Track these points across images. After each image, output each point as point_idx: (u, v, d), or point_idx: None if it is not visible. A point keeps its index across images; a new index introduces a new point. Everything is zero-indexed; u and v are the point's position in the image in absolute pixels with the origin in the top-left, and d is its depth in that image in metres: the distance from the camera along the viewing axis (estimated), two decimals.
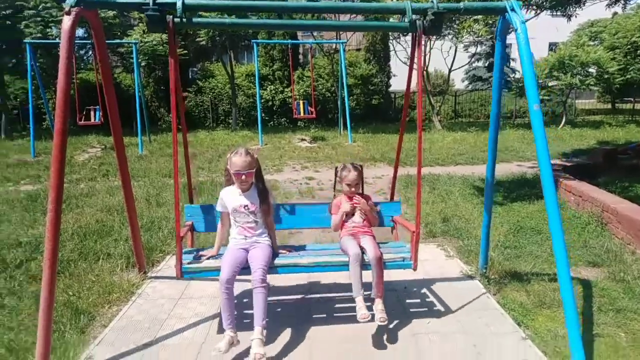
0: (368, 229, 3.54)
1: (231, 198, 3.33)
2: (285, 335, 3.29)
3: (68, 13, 2.81)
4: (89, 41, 17.30)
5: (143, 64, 15.37)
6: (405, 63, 17.73)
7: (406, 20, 3.15)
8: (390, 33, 18.60)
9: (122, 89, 17.66)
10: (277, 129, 17.06)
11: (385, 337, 3.25)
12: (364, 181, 3.73)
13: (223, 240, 3.48)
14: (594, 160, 8.44)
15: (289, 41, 13.79)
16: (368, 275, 3.25)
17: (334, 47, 16.38)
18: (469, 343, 3.16)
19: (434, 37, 15.60)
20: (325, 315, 3.59)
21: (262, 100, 18.69)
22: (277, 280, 3.95)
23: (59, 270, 4.38)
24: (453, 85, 27.28)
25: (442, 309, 3.65)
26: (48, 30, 14.02)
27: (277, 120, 18.82)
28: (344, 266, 3.24)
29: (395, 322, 3.45)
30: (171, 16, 2.99)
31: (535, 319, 3.53)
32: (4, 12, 13.06)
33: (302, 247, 3.69)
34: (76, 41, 16.17)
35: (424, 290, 4.01)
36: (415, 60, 3.26)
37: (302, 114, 13.64)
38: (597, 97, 26.58)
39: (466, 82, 27.11)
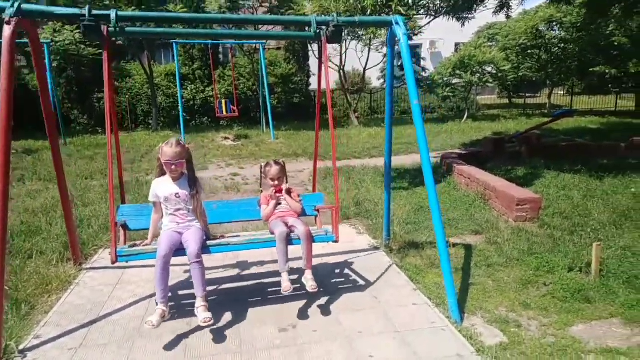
0: (294, 214, 3.97)
1: (163, 187, 3.57)
2: (221, 309, 3.79)
3: (8, 23, 3.10)
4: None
5: (54, 64, 14.77)
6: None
7: (312, 30, 3.77)
8: None
9: (31, 91, 16.77)
10: (199, 129, 17.15)
11: (307, 296, 3.87)
12: (287, 175, 4.19)
13: (157, 231, 3.70)
14: (485, 148, 9.68)
15: (209, 41, 14.01)
16: (297, 252, 3.73)
17: (253, 46, 16.77)
18: (371, 295, 3.87)
19: (346, 40, 16.57)
20: (257, 288, 4.14)
21: (183, 100, 18.64)
22: (214, 260, 4.44)
23: None
24: (370, 83, 28.70)
25: (351, 273, 4.35)
26: None
27: (199, 120, 18.86)
28: (272, 242, 3.62)
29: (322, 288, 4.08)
30: (106, 26, 3.36)
31: (425, 276, 4.32)
32: None
33: (233, 235, 4.10)
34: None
35: (337, 260, 4.69)
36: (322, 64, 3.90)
37: (224, 112, 13.92)
38: (497, 94, 29.28)
39: (382, 81, 28.62)
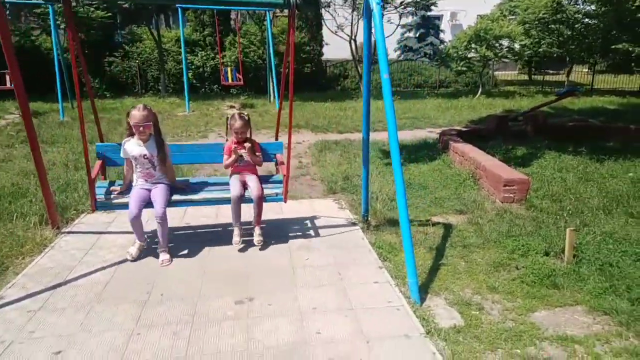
0: (253, 168, 4.31)
1: (132, 148, 3.93)
2: (185, 265, 3.94)
3: None
4: (37, 1, 16.32)
5: (63, 26, 14.74)
6: (334, 32, 18.16)
7: None
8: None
9: (42, 53, 16.84)
10: (208, 96, 17.08)
11: (269, 269, 3.87)
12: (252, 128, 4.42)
13: (130, 177, 4.12)
14: (488, 126, 9.43)
15: (214, 6, 13.77)
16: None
17: (263, 13, 16.44)
18: (336, 271, 3.84)
19: (358, 8, 16.10)
20: (216, 242, 4.35)
21: (193, 67, 18.51)
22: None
23: None
24: (387, 54, 28.03)
25: (321, 248, 4.32)
26: None
27: (208, 87, 18.75)
28: (228, 200, 4.10)
29: (279, 256, 4.09)
30: None
31: (397, 254, 4.27)
32: None
33: (199, 183, 4.41)
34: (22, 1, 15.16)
35: (311, 233, 4.66)
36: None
37: (230, 81, 13.81)
38: (518, 69, 28.41)
39: (398, 52, 27.99)
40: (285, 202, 4.39)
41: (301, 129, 11.16)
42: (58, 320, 3.13)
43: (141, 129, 3.82)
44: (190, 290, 3.54)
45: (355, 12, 17.06)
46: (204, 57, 18.78)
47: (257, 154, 4.40)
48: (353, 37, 17.70)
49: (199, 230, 4.77)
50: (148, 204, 3.91)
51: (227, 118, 4.36)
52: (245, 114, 4.36)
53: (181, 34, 12.93)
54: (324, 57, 21.35)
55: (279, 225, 4.88)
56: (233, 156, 4.24)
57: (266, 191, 4.27)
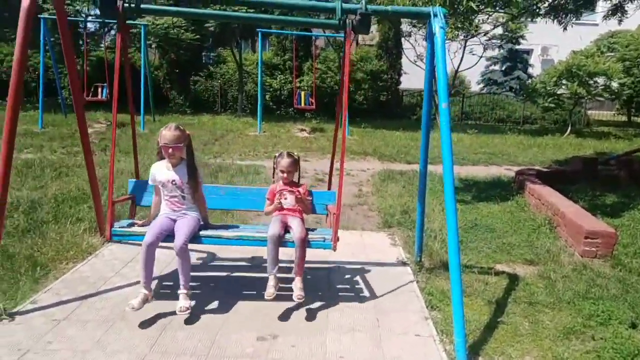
0: (298, 212, 3.71)
1: (160, 172, 3.50)
2: (211, 301, 3.62)
3: None
4: (108, 20, 17.84)
5: (154, 45, 15.80)
6: (413, 62, 17.83)
7: (336, 18, 3.42)
8: (402, 29, 18.75)
9: (136, 69, 18.14)
10: (282, 118, 17.35)
11: (302, 307, 3.56)
12: (301, 169, 3.94)
13: (157, 212, 3.63)
14: (573, 168, 8.53)
15: (293, 32, 14.05)
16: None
17: (342, 40, 16.56)
18: (374, 316, 3.44)
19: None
20: (252, 284, 3.89)
21: (271, 89, 19.00)
22: (225, 251, 4.30)
23: (30, 228, 4.80)
24: (469, 86, 27.16)
25: (363, 287, 3.94)
26: (66, 7, 14.48)
27: (284, 110, 19.10)
28: (264, 241, 3.42)
29: (316, 296, 3.75)
30: (121, 1, 3.30)
31: (450, 304, 3.77)
32: None
33: (233, 226, 3.83)
34: (92, 20, 16.65)
35: (356, 271, 4.29)
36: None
37: (302, 104, 13.91)
38: (616, 110, 26.19)
39: (481, 85, 26.98)
40: (334, 250, 3.52)
41: (368, 156, 10.86)
42: (78, 333, 3.04)
43: (170, 150, 3.37)
44: (213, 319, 3.32)
45: None
46: (282, 81, 19.22)
47: (307, 198, 3.82)
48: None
49: (229, 274, 4.23)
50: (169, 237, 3.36)
51: (275, 156, 3.82)
52: (296, 153, 3.84)
53: (259, 56, 13.29)
54: (401, 86, 21.05)
55: (320, 253, 4.57)
56: (275, 202, 3.68)
57: (312, 236, 3.57)
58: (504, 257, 4.87)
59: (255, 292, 3.73)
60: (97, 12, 18.46)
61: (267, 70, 19.71)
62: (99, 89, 13.16)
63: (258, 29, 13.07)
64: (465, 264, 4.57)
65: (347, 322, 3.35)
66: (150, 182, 3.62)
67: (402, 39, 19.57)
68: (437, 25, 3.36)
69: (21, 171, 7.25)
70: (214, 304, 3.56)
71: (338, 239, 3.54)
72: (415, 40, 17.27)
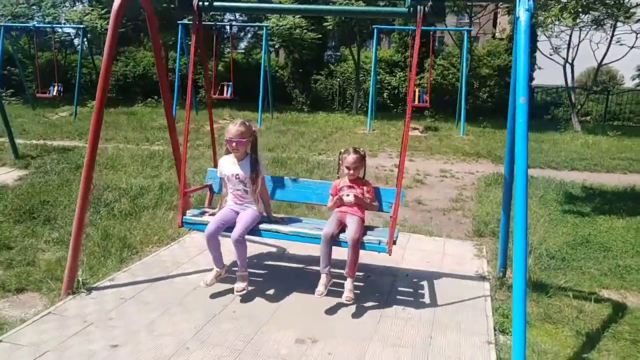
0: (360, 211, 3.60)
1: (226, 166, 3.63)
2: (266, 293, 3.64)
3: None
4: (248, 24, 19.21)
5: (277, 46, 16.60)
6: (548, 56, 16.11)
7: (405, 5, 3.15)
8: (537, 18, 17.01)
9: (255, 68, 19.23)
10: (398, 116, 16.98)
11: (352, 312, 3.38)
12: (366, 166, 3.74)
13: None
14: None
15: (409, 27, 13.57)
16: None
17: (462, 34, 15.58)
18: (428, 332, 3.12)
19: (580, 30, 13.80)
20: (307, 283, 3.79)
21: (389, 87, 18.74)
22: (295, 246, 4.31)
23: (132, 212, 5.33)
24: (621, 82, 23.83)
25: (428, 301, 3.60)
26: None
27: (402, 108, 18.71)
28: (318, 239, 3.39)
29: (372, 302, 3.54)
30: (196, 0, 3.45)
31: (527, 330, 3.28)
32: None
33: (295, 219, 3.84)
34: (235, 23, 18.09)
35: (425, 280, 3.96)
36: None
37: (416, 102, 13.42)
38: None
39: (636, 81, 23.43)
40: (389, 253, 3.37)
41: (481, 158, 10.08)
42: (137, 313, 3.26)
43: (233, 144, 3.47)
44: (263, 313, 3.31)
45: (576, 31, 14.80)
46: (402, 78, 18.82)
47: (369, 197, 3.65)
48: (570, 60, 15.39)
49: (294, 267, 4.26)
50: (230, 228, 3.49)
51: (340, 152, 3.71)
52: (362, 149, 3.70)
53: (374, 54, 13.14)
54: (534, 83, 19.20)
55: (392, 258, 4.31)
56: (336, 198, 3.62)
57: (368, 237, 3.44)
58: (614, 282, 4.11)
59: (310, 289, 3.64)
60: (232, 16, 19.98)
61: (387, 67, 19.48)
62: (225, 87, 14.21)
63: (374, 26, 12.93)
64: (561, 285, 3.95)
65: (395, 335, 3.09)
66: (217, 174, 3.79)
67: (538, 30, 17.80)
68: (522, 7, 2.91)
69: (144, 161, 8.12)
70: (269, 296, 3.59)
71: (395, 243, 3.37)
72: (552, 32, 15.54)
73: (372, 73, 13.36)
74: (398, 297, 3.66)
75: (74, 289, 3.51)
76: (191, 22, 15.18)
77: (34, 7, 16.49)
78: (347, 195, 3.56)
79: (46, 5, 16.48)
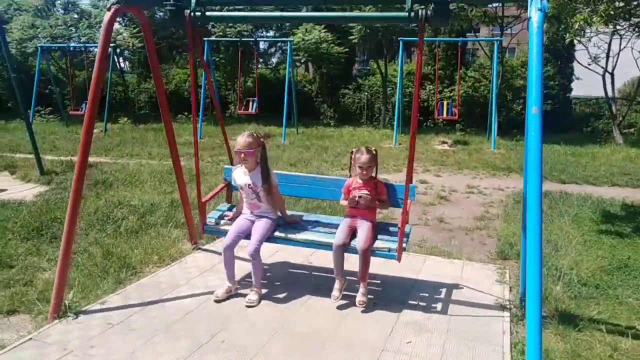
0: (371, 213, 3.72)
1: (239, 176, 3.78)
2: (281, 296, 3.76)
3: (109, 9, 3.35)
4: (272, 39, 19.35)
5: (303, 60, 16.54)
6: (587, 66, 15.36)
7: (406, 8, 2.88)
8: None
9: (277, 82, 19.20)
10: (427, 130, 16.50)
11: (355, 334, 3.08)
12: (378, 164, 3.79)
13: (241, 208, 3.95)
14: None
15: (440, 39, 13.21)
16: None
17: (492, 45, 15.08)
18: None
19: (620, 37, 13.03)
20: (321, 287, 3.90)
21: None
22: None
23: (138, 229, 5.20)
24: None
25: (435, 332, 3.24)
26: (228, 30, 16.13)
27: (431, 122, 18.22)
28: (331, 246, 3.53)
29: (374, 327, 3.22)
30: (188, 10, 3.30)
31: None
32: None
33: (312, 220, 3.99)
34: (264, 39, 18.23)
35: (436, 306, 3.61)
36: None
37: (445, 115, 12.99)
38: None
39: None
40: (398, 261, 3.47)
41: (512, 173, 9.55)
42: (120, 341, 3.06)
43: (242, 155, 3.61)
44: (253, 344, 3.05)
45: (616, 38, 14.03)
46: (431, 91, 18.37)
47: (381, 197, 3.74)
48: (609, 70, 14.61)
49: (309, 272, 4.30)
50: (248, 235, 3.70)
51: (352, 152, 3.77)
52: (373, 148, 3.74)
53: (400, 66, 12.87)
54: (572, 94, 18.36)
55: (401, 285, 3.99)
56: (348, 200, 3.72)
57: (378, 244, 3.53)
58: None
59: (320, 299, 3.73)
60: (267, 33, 20.14)
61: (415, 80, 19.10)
62: (250, 103, 14.22)
63: (399, 38, 12.65)
64: (593, 317, 3.51)
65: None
66: (233, 184, 3.98)
67: (575, 40, 17.05)
68: (535, 7, 2.59)
69: (163, 177, 8.07)
70: (263, 323, 3.30)
71: (404, 250, 3.45)
72: (590, 40, 14.81)
73: (398, 86, 13.04)
74: (404, 328, 3.32)
75: (61, 312, 3.36)
76: (214, 39, 15.52)
77: (72, 28, 17.10)
78: (360, 197, 3.62)
79: (82, 26, 17.05)
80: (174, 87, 21.33)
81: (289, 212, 4.02)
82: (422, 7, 2.84)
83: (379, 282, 4.08)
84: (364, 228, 3.56)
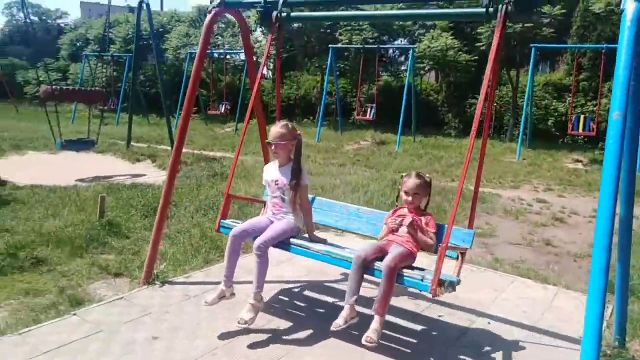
0: (410, 243, 3.05)
1: (267, 171, 3.52)
2: (281, 320, 3.37)
3: (209, 12, 3.72)
4: (395, 46, 19.34)
5: (427, 68, 16.17)
6: None
7: (482, 4, 2.71)
8: None
9: (415, 92, 18.97)
10: (562, 146, 14.97)
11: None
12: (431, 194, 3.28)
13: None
14: None
15: (578, 46, 11.85)
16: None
17: None
18: None
19: None
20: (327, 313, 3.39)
21: (556, 114, 16.76)
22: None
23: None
24: None
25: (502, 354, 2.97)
26: (354, 37, 16.47)
27: (570, 138, 16.46)
28: (351, 263, 2.95)
29: (420, 351, 3.07)
30: (275, 12, 3.51)
31: None
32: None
33: (336, 245, 3.41)
34: (387, 47, 18.28)
35: (507, 336, 3.29)
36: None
37: (580, 130, 11.66)
38: None
39: None
40: (432, 295, 2.70)
41: None
42: (191, 312, 3.38)
43: (273, 147, 3.34)
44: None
45: None
46: (574, 104, 16.64)
47: (428, 230, 3.11)
48: None
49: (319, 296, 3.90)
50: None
51: (402, 176, 3.31)
52: (427, 175, 3.26)
53: (529, 76, 11.87)
54: None
55: (478, 301, 3.70)
56: (389, 222, 3.17)
57: (410, 271, 2.89)
58: None
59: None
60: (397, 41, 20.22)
61: (555, 92, 17.47)
62: (369, 109, 14.37)
63: (531, 45, 11.72)
64: None
65: None
66: (263, 182, 3.60)
67: None
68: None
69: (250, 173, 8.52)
70: (285, 329, 3.26)
71: (441, 284, 2.69)
72: None
73: (525, 98, 12.08)
74: (461, 353, 3.08)
75: (150, 280, 3.80)
76: (339, 46, 15.94)
77: (218, 36, 19.07)
78: (401, 220, 3.07)
79: (227, 35, 18.89)
80: (303, 92, 22.46)
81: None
82: (502, 1, 2.64)
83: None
84: (396, 250, 2.95)
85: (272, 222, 3.40)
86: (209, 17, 3.68)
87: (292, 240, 3.30)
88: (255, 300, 3.13)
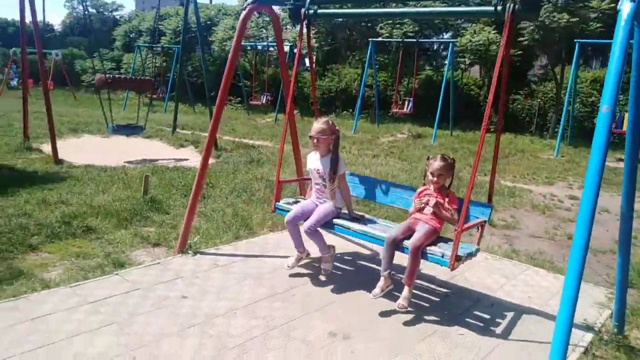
0: (434, 220, 3.45)
1: (311, 160, 3.96)
2: (329, 284, 3.77)
3: (244, 8, 4.05)
4: (451, 40, 19.15)
5: (468, 62, 16.01)
6: None
7: (492, 2, 2.89)
8: None
9: (458, 87, 18.78)
10: (610, 145, 14.48)
11: (403, 321, 3.24)
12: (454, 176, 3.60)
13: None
14: None
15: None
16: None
17: None
18: None
19: None
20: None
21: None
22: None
23: (265, 199, 5.99)
24: None
25: (497, 339, 3.16)
26: (394, 31, 16.52)
27: (616, 136, 15.88)
28: (383, 241, 3.40)
29: (432, 319, 3.32)
30: (303, 9, 3.80)
31: None
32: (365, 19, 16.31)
33: (373, 220, 3.90)
34: (427, 40, 18.20)
35: (509, 316, 3.47)
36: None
37: (623, 128, 11.28)
38: None
39: None
40: (451, 269, 3.16)
41: None
42: (219, 278, 3.75)
43: (314, 141, 3.77)
44: (312, 303, 3.43)
45: None
46: (622, 102, 16.03)
47: (450, 207, 3.46)
48: None
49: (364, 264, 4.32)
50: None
51: (427, 158, 3.63)
52: (451, 157, 3.56)
53: (572, 72, 11.58)
54: None
55: (485, 286, 3.89)
56: (414, 206, 3.60)
57: (433, 248, 3.27)
58: None
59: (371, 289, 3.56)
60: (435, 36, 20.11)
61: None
62: (407, 102, 14.43)
63: (575, 40, 11.45)
64: None
65: (434, 357, 2.85)
66: (307, 169, 4.10)
67: None
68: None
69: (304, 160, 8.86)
70: (330, 289, 3.70)
71: (459, 259, 3.13)
72: None
73: (567, 94, 11.81)
74: (465, 324, 3.32)
75: (184, 249, 4.22)
76: (378, 39, 16.01)
77: (262, 29, 19.57)
78: (428, 200, 3.48)
79: (271, 28, 19.34)
80: (344, 85, 22.66)
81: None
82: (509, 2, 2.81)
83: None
84: (422, 229, 3.36)
85: (316, 205, 3.88)
86: (243, 13, 4.02)
87: (335, 220, 3.76)
88: (326, 257, 3.88)
